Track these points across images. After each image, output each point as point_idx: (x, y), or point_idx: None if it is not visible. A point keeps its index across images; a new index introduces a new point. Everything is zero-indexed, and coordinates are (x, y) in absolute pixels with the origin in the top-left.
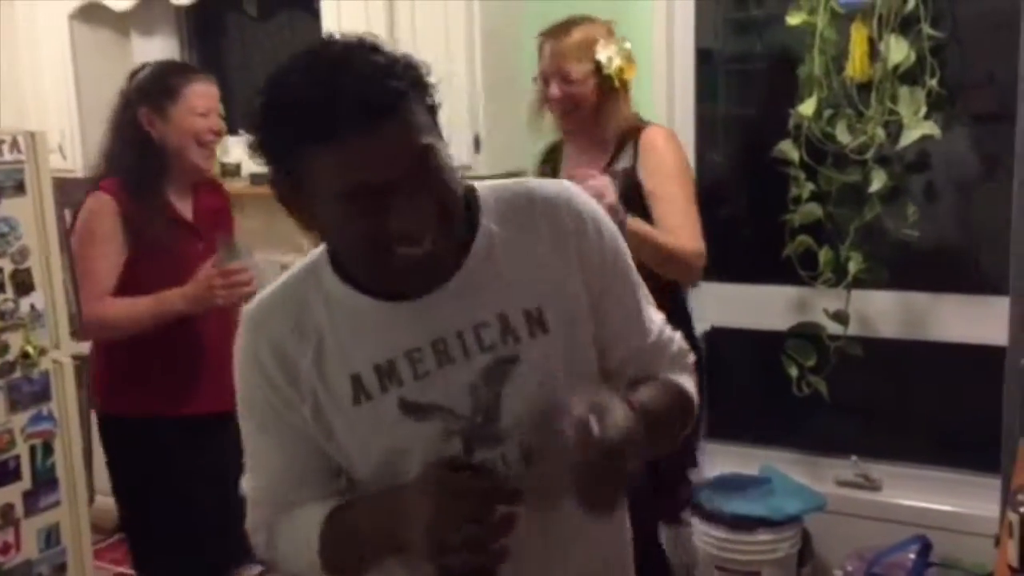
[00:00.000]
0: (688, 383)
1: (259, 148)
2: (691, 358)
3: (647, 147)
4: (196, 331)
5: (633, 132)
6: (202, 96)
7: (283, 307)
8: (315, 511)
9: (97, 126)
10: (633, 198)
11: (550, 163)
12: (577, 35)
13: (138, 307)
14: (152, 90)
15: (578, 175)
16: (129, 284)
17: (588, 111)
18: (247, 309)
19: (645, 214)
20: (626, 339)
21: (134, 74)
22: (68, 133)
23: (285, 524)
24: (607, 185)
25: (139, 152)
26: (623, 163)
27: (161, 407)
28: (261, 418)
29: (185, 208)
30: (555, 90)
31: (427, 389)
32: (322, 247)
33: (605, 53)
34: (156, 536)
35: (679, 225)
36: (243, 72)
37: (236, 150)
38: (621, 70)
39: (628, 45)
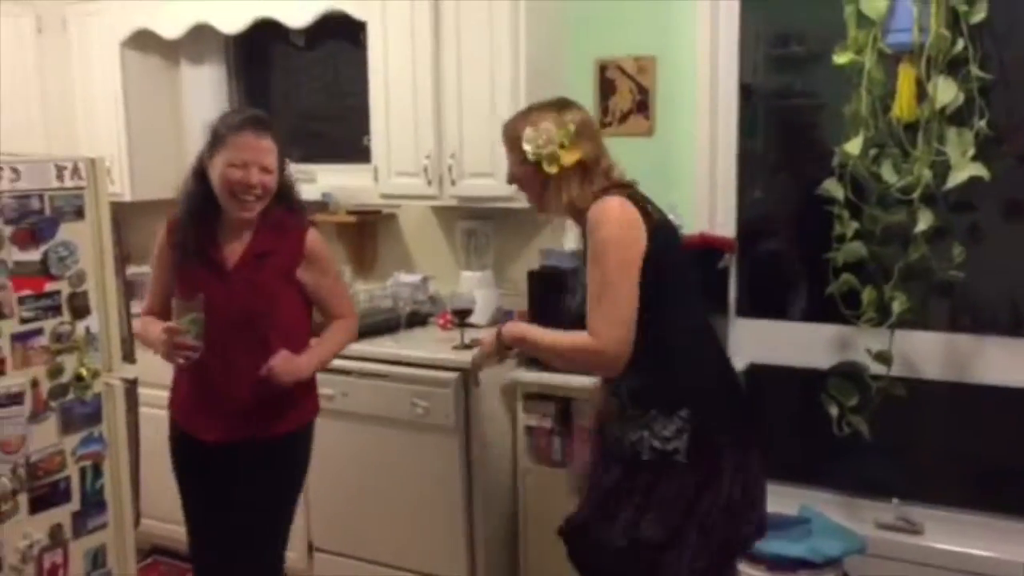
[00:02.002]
0: None
1: None
2: None
3: (587, 227)
4: (207, 363)
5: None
6: (243, 148)
7: None
8: None
9: (145, 152)
10: None
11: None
12: (511, 126)
13: (140, 332)
14: (211, 132)
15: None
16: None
17: (536, 196)
18: None
19: None
20: None
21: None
22: (117, 159)
23: None
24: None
25: (196, 188)
26: (581, 245)
27: (179, 419)
28: None
29: (235, 249)
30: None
31: None
32: None
33: (531, 143)
34: (190, 535)
35: (588, 320)
36: (288, 100)
37: None
38: (553, 156)
39: (572, 128)
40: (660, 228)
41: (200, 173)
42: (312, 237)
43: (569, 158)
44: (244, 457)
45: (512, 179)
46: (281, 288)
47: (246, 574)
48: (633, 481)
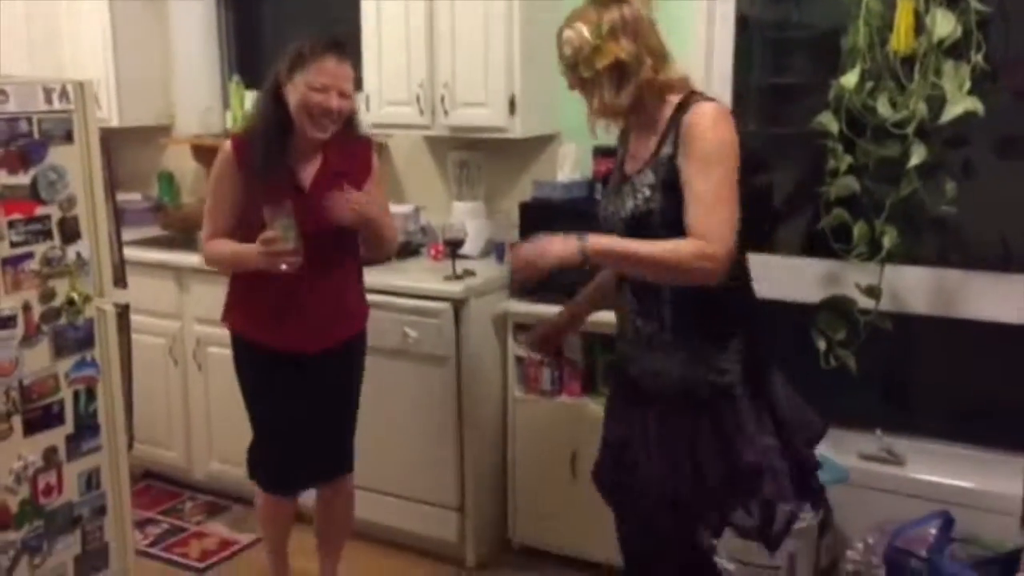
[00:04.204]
0: None
1: None
2: None
3: (686, 131)
4: (290, 280)
5: (679, 113)
6: (324, 73)
7: None
8: None
9: (133, 77)
10: (673, 186)
11: (622, 145)
12: (557, 34)
13: (228, 253)
14: (293, 53)
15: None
16: (243, 227)
17: (588, 97)
18: None
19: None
20: None
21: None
22: (104, 84)
23: None
24: (537, 252)
25: (271, 108)
26: (667, 148)
27: (256, 335)
28: None
29: (307, 169)
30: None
31: None
32: None
33: (567, 44)
34: (256, 438)
35: (698, 223)
36: (278, 27)
37: None
38: (588, 59)
39: (606, 27)
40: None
41: (275, 93)
42: (375, 157)
43: (603, 60)
44: (331, 360)
45: (570, 85)
46: None
47: (341, 460)
48: (697, 424)
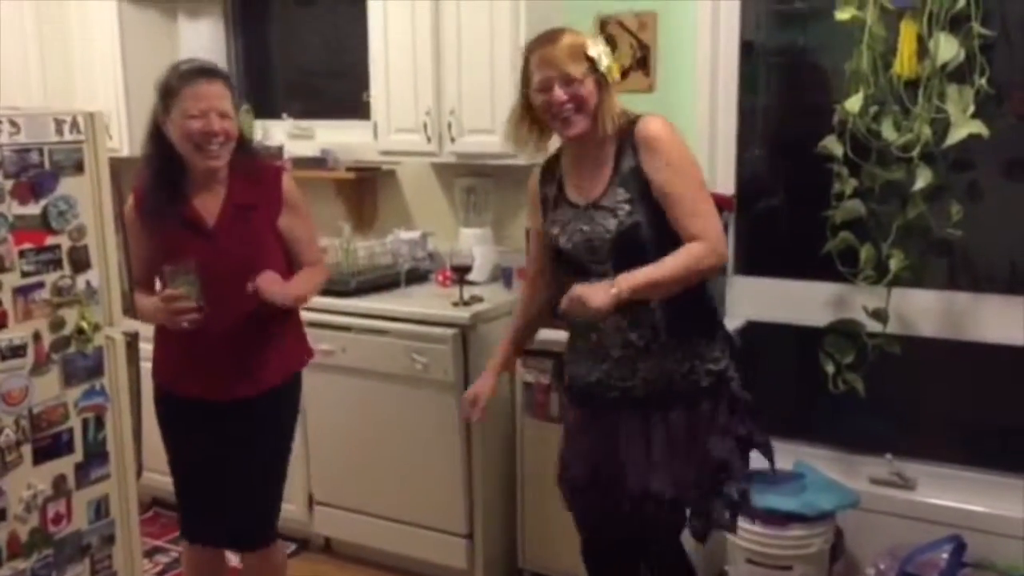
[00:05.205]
0: None
1: None
2: None
3: (644, 141)
4: (207, 323)
5: (628, 128)
6: (198, 98)
7: None
8: None
9: (143, 107)
10: (648, 196)
11: (552, 178)
12: (567, 39)
13: (143, 306)
14: (162, 89)
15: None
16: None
17: (591, 110)
18: None
19: (660, 209)
20: None
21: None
22: (115, 114)
23: None
24: (591, 294)
25: (156, 151)
26: (628, 162)
27: (170, 384)
28: None
29: (210, 205)
30: (560, 93)
31: None
32: None
33: (596, 50)
34: (177, 490)
35: (693, 225)
36: (287, 56)
37: (278, 133)
38: (611, 68)
39: (610, 51)
40: None
41: (156, 134)
42: (287, 180)
43: (618, 72)
44: (245, 411)
45: (571, 97)
46: (268, 239)
47: (248, 526)
48: (696, 414)
